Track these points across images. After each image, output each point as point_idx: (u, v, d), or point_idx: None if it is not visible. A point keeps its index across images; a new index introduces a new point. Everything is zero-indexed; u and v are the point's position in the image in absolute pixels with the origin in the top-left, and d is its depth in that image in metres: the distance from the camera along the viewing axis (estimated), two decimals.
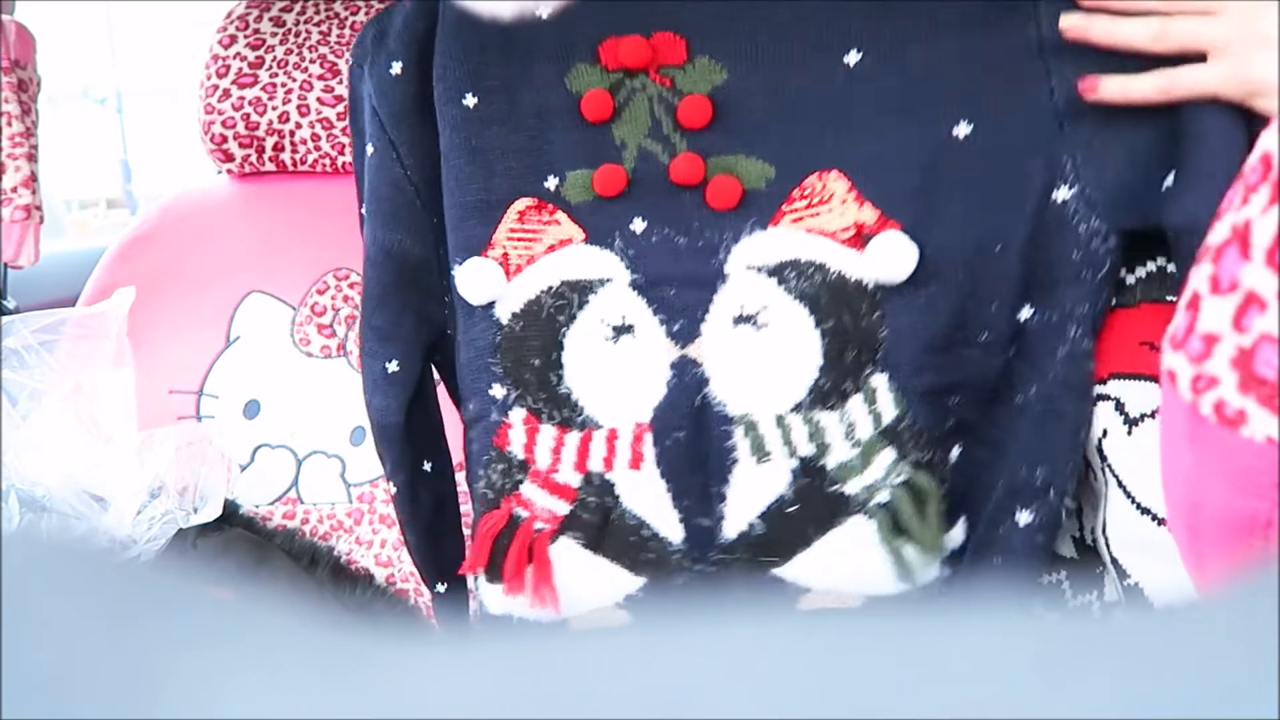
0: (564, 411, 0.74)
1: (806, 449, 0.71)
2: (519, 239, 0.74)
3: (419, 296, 0.78)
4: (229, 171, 1.20)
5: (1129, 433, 0.68)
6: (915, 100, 0.66)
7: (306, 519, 1.07)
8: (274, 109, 1.13)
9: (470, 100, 0.73)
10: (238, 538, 0.90)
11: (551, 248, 0.73)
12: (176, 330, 1.12)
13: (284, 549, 0.90)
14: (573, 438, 0.74)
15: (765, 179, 0.70)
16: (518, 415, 0.75)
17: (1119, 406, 0.69)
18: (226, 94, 1.14)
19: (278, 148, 1.15)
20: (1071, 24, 0.63)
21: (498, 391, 0.75)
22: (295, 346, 1.11)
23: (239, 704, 0.16)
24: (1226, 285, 0.30)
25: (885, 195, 0.68)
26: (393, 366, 0.77)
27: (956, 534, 0.73)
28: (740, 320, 0.71)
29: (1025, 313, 0.68)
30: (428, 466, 0.81)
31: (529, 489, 0.76)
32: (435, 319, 0.79)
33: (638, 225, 0.72)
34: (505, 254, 0.74)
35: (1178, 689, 0.15)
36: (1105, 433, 0.69)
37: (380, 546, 1.05)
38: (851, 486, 0.71)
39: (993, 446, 0.71)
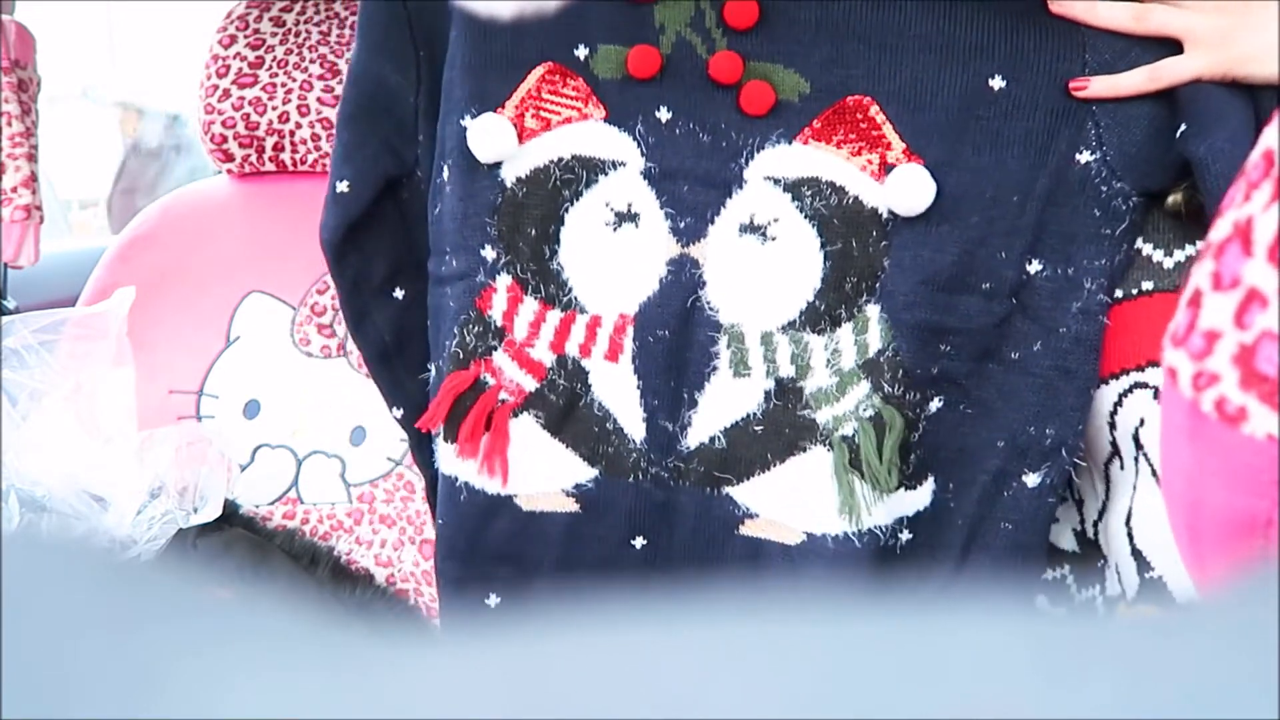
0: (550, 288, 0.73)
1: (787, 370, 0.71)
2: (537, 104, 0.72)
3: (388, 125, 0.76)
4: (229, 171, 1.20)
5: None
6: (957, 46, 0.67)
7: (306, 519, 1.07)
8: (274, 109, 1.13)
9: None
10: (238, 538, 0.90)
11: (569, 119, 0.72)
12: (176, 330, 1.12)
13: (284, 549, 0.90)
14: (554, 316, 0.74)
15: (799, 92, 0.69)
16: (503, 281, 0.74)
17: (1157, 395, 0.68)
18: (226, 94, 1.14)
19: (278, 148, 1.15)
20: (1056, 3, 0.66)
21: (488, 253, 0.74)
22: (295, 346, 1.11)
23: (239, 704, 0.16)
24: (1228, 282, 0.30)
25: (914, 129, 0.68)
26: (342, 186, 0.76)
27: (922, 495, 0.72)
28: (748, 229, 0.70)
29: (1034, 266, 0.68)
30: (399, 294, 0.80)
31: (500, 357, 0.75)
32: (401, 154, 0.77)
33: (663, 114, 0.71)
34: (520, 115, 0.72)
35: (1178, 689, 0.15)
36: (1142, 421, 0.68)
37: (380, 546, 1.05)
38: (822, 415, 0.71)
39: (979, 406, 0.71)
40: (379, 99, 0.76)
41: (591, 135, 0.71)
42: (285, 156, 1.16)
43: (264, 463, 1.08)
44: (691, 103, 0.70)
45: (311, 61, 1.13)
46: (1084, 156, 0.67)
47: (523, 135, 0.72)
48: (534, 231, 0.73)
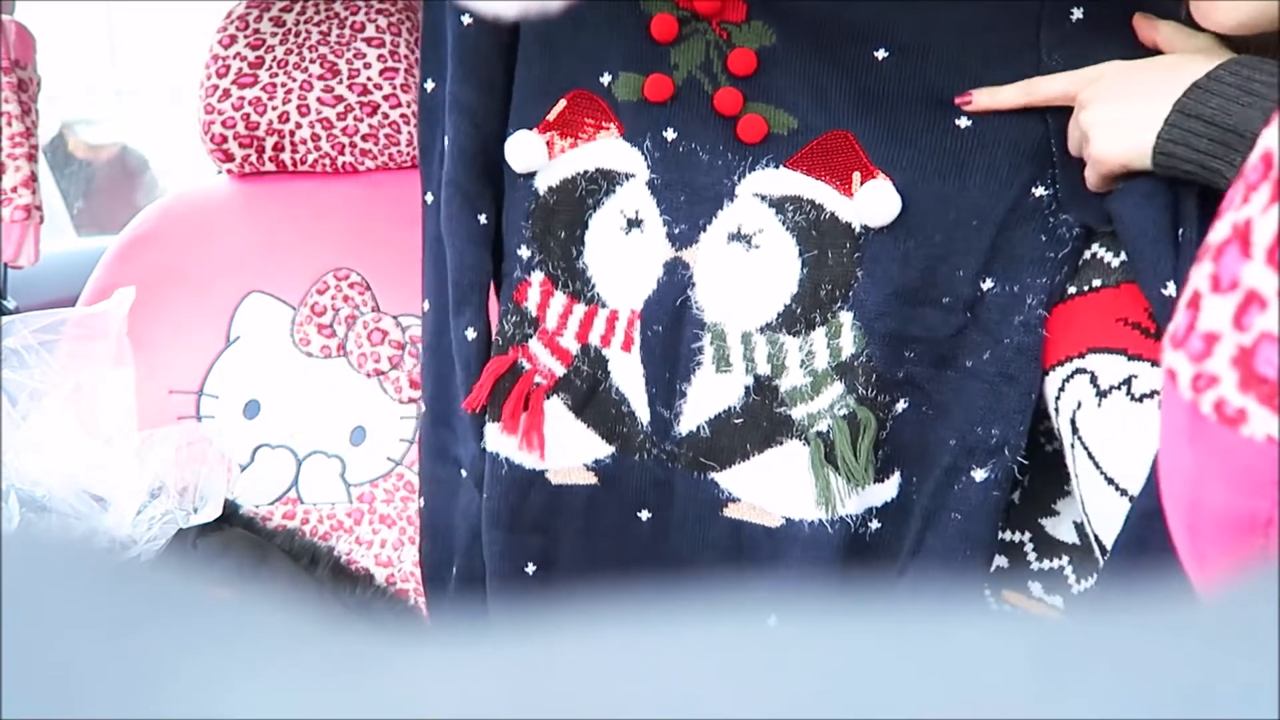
0: (577, 284, 0.82)
1: (764, 368, 0.78)
2: (566, 124, 0.81)
3: (499, 159, 0.84)
4: (229, 171, 1.20)
5: (1099, 405, 0.70)
6: (928, 94, 0.74)
7: (306, 519, 1.07)
8: (274, 109, 1.13)
9: None
10: (238, 538, 0.90)
11: (592, 137, 0.81)
12: (176, 330, 1.12)
13: (284, 549, 0.90)
14: (579, 309, 0.82)
15: (788, 128, 0.77)
16: (537, 277, 0.83)
17: (1093, 379, 0.70)
18: (226, 94, 1.14)
19: (278, 148, 1.15)
20: (966, 102, 0.73)
21: (524, 252, 0.83)
22: (295, 346, 1.11)
23: (239, 704, 0.16)
24: (1227, 284, 0.30)
25: (887, 158, 0.75)
26: (483, 219, 0.84)
27: (889, 488, 0.79)
28: (735, 238, 0.78)
29: (987, 284, 0.75)
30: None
31: (535, 345, 0.84)
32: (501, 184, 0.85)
33: (669, 134, 0.79)
34: (551, 135, 0.82)
35: (1178, 689, 0.15)
36: (1079, 405, 0.71)
37: (380, 546, 1.05)
38: (798, 411, 0.78)
39: (938, 408, 0.77)
40: (491, 139, 0.83)
41: (610, 150, 0.81)
42: (285, 156, 1.16)
43: (264, 463, 1.08)
44: (695, 127, 0.79)
45: (311, 61, 1.13)
46: (1039, 190, 0.73)
47: (553, 151, 0.82)
48: (563, 234, 0.82)
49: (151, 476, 0.90)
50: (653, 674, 0.16)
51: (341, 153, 1.15)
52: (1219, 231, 0.31)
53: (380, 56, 1.13)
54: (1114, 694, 0.15)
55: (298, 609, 0.18)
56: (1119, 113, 0.65)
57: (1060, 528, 0.80)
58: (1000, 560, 0.83)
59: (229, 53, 1.14)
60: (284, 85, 1.13)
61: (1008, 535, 0.83)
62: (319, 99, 1.13)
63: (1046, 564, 0.81)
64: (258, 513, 1.03)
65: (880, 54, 0.74)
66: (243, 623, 0.18)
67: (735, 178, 0.78)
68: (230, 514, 0.93)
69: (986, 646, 0.16)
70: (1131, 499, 0.67)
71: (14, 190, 1.10)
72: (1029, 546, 0.82)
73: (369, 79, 1.13)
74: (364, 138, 1.14)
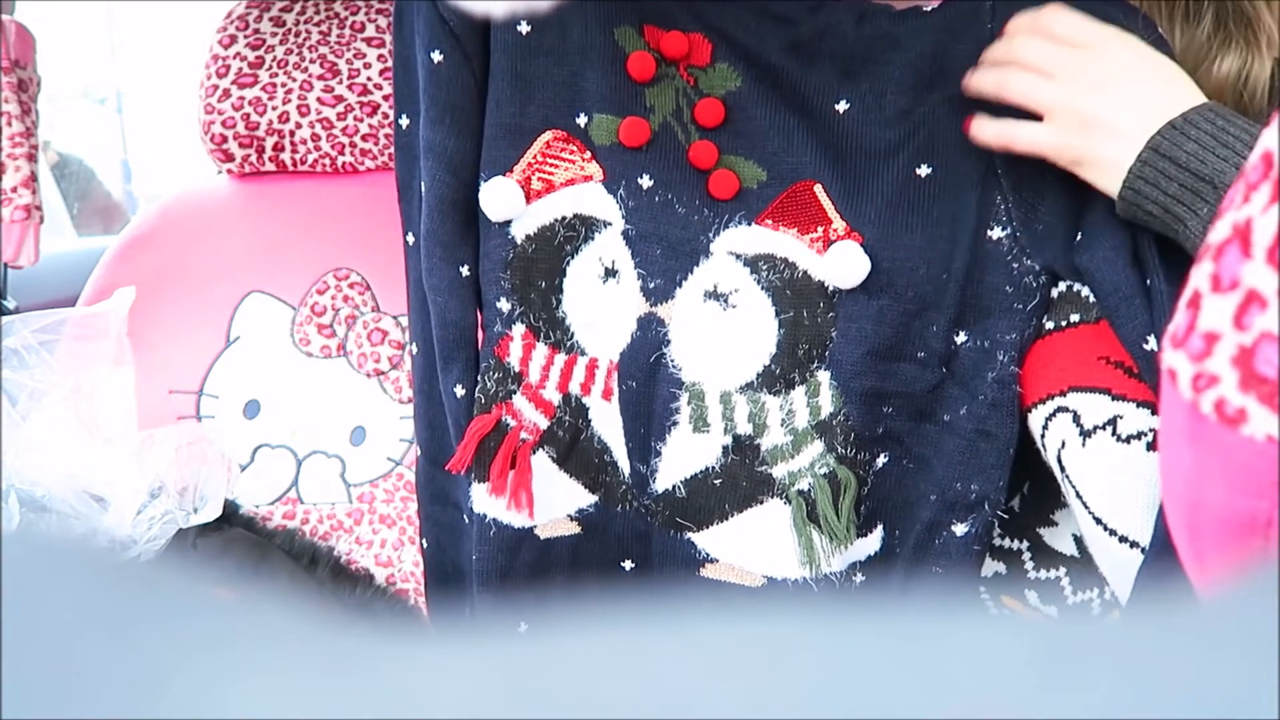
0: (557, 334, 0.80)
1: (744, 428, 0.77)
2: (542, 167, 0.78)
3: (476, 206, 0.81)
4: (229, 171, 1.20)
5: (1083, 444, 0.69)
6: (888, 144, 0.73)
7: (306, 519, 1.07)
8: (274, 109, 1.13)
9: (524, 28, 0.77)
10: (238, 538, 0.90)
11: (572, 180, 0.78)
12: (176, 330, 1.12)
13: (284, 549, 0.90)
14: (560, 359, 0.80)
15: (758, 180, 0.76)
16: (518, 330, 0.80)
17: (1076, 419, 0.70)
18: (226, 94, 1.14)
19: (278, 148, 1.15)
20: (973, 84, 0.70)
21: (504, 305, 0.80)
22: (295, 346, 1.11)
23: (240, 704, 0.16)
24: (1227, 283, 0.30)
25: (854, 211, 0.74)
26: (465, 271, 0.81)
27: (872, 541, 0.78)
28: (711, 296, 0.76)
29: (960, 338, 0.74)
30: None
31: (520, 400, 0.81)
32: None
33: (645, 181, 0.77)
34: (527, 178, 0.78)
35: (1177, 689, 0.15)
36: (1064, 444, 0.70)
37: (380, 546, 1.05)
38: (779, 470, 0.77)
39: (918, 461, 0.77)
40: (470, 184, 0.80)
41: (589, 195, 0.78)
42: (285, 156, 1.16)
43: (264, 463, 1.08)
44: (671, 177, 0.77)
45: (311, 61, 1.13)
46: (995, 232, 0.72)
47: (529, 196, 0.78)
48: (543, 284, 0.79)
49: (151, 476, 0.90)
50: (652, 674, 0.16)
51: (341, 153, 1.15)
52: (1219, 231, 0.31)
53: (380, 56, 1.13)
54: (1114, 694, 0.15)
55: (298, 609, 0.18)
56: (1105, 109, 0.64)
57: (1058, 539, 0.80)
58: (999, 566, 0.83)
59: (229, 53, 1.14)
60: (284, 85, 1.13)
61: (1006, 543, 0.83)
62: (319, 99, 1.13)
63: (1043, 574, 0.81)
64: (258, 513, 1.03)
65: (841, 106, 0.74)
66: (243, 623, 0.18)
67: (711, 234, 0.76)
68: (230, 514, 0.93)
69: (987, 647, 0.16)
70: (1121, 539, 0.67)
71: (14, 190, 1.10)
72: (1026, 555, 0.82)
73: (369, 79, 1.13)
74: (364, 138, 1.14)
